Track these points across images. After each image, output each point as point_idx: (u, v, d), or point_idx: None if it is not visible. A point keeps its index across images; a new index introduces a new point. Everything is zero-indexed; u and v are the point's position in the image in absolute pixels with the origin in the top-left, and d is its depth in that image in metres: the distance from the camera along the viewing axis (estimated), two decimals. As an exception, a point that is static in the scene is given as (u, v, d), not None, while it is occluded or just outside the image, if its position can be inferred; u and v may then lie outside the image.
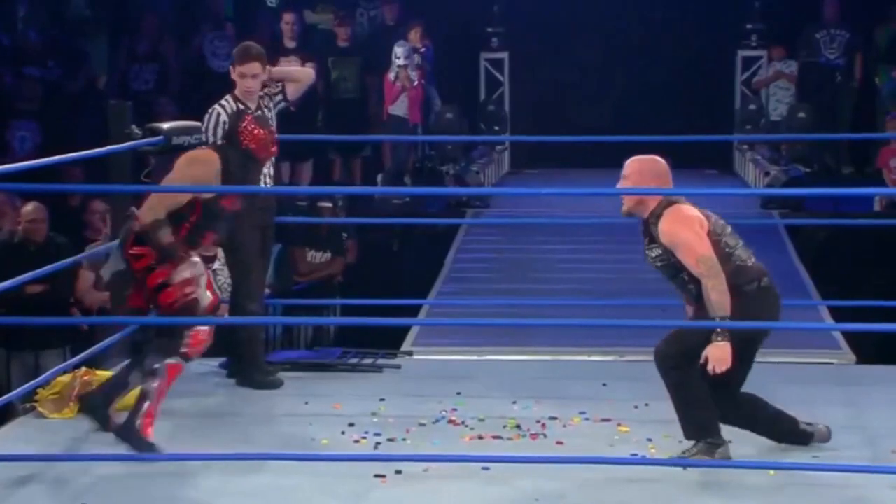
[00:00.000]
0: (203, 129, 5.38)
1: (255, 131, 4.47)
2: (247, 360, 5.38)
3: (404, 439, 4.55)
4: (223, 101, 5.41)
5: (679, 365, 4.18)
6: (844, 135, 10.39)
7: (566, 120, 11.76)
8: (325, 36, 10.61)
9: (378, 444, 4.49)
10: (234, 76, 5.41)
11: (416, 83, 10.23)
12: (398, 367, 5.80)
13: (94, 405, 4.37)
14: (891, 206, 9.11)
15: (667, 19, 12.44)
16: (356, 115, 10.28)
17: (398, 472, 4.11)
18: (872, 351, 6.51)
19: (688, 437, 4.25)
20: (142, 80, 10.62)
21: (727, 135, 10.91)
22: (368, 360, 5.81)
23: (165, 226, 4.26)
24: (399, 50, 10.16)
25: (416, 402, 5.07)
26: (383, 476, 4.08)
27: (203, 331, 4.27)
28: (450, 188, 9.99)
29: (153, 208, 4.30)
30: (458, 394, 5.19)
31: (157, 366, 4.22)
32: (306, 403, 5.09)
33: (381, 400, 5.08)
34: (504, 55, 12.14)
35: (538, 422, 4.71)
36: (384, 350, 6.04)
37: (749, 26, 11.68)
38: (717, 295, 4.09)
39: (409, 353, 6.26)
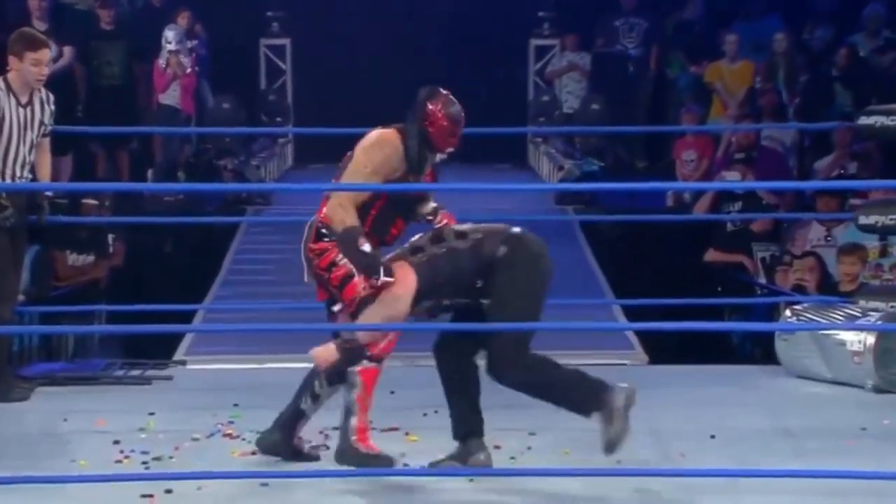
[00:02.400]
0: None
1: None
2: None
3: (171, 457, 4.49)
4: None
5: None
6: (638, 127, 10.76)
7: (353, 111, 11.77)
8: (83, 17, 10.34)
9: (145, 462, 4.42)
10: (20, 64, 5.30)
11: (188, 70, 10.09)
12: (170, 378, 5.74)
13: (275, 443, 4.27)
14: (681, 201, 9.48)
15: (456, 5, 12.63)
16: (122, 105, 10.05)
17: (168, 491, 4.06)
18: (665, 350, 6.77)
19: (456, 436, 4.34)
20: None
21: (520, 127, 11.15)
22: (136, 372, 5.73)
23: (362, 233, 4.14)
24: (170, 34, 10.00)
25: (188, 416, 5.02)
26: (151, 496, 4.02)
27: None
28: (227, 184, 9.89)
29: (342, 206, 4.15)
30: (236, 405, 5.17)
31: (351, 377, 4.18)
32: (65, 420, 4.97)
33: (151, 414, 5.01)
34: (286, 41, 12.11)
35: (321, 433, 4.72)
36: (155, 360, 5.95)
37: (541, 14, 11.97)
38: None
39: (183, 363, 6.20)
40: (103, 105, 9.91)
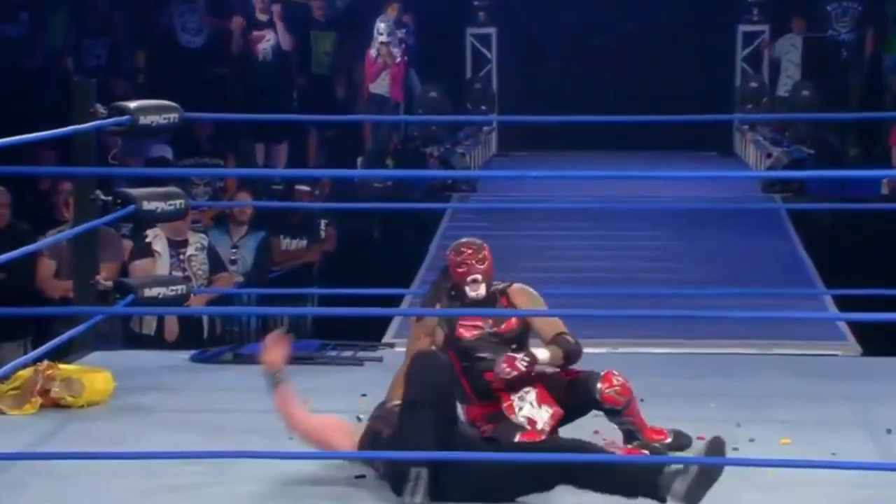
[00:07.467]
0: None
1: None
2: None
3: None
4: None
5: None
6: (850, 114, 10.42)
7: (557, 99, 11.76)
8: (300, 8, 10.61)
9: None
10: None
11: (398, 60, 10.24)
12: (380, 359, 5.80)
13: None
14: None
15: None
16: (334, 93, 10.29)
17: (359, 476, 4.09)
18: (879, 342, 6.54)
19: None
20: (92, 56, 10.52)
21: (727, 114, 10.94)
22: (348, 353, 5.81)
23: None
24: (381, 25, 10.19)
25: (398, 398, 5.06)
26: (363, 476, 4.08)
27: (618, 377, 4.30)
28: (434, 171, 9.99)
29: None
30: (443, 388, 5.18)
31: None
32: (282, 398, 5.07)
33: (363, 395, 5.08)
34: (492, 30, 12.15)
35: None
36: (365, 342, 6.04)
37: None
38: None
39: (391, 346, 6.26)
40: (317, 93, 10.16)
